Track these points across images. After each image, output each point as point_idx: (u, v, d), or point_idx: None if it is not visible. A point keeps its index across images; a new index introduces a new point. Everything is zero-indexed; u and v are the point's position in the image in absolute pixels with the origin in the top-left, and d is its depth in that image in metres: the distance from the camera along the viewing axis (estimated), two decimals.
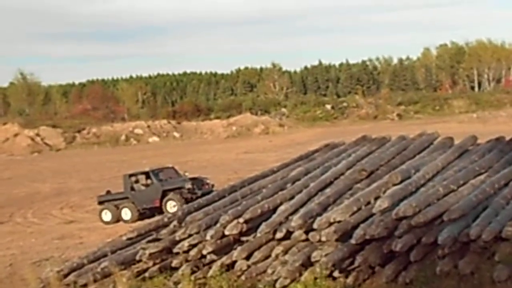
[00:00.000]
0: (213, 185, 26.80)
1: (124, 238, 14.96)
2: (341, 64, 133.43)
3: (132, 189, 26.69)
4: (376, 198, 12.03)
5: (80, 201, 30.59)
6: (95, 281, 13.46)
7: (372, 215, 11.66)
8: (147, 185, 26.83)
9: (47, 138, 68.25)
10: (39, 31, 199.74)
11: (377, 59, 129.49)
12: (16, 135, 68.19)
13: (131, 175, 27.29)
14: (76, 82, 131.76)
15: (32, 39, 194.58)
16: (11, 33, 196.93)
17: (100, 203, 26.77)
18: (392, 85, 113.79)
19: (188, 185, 25.74)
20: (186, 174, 27.74)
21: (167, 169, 28.19)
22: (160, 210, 25.52)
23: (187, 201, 24.72)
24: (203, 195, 24.61)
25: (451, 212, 10.99)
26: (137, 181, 27.10)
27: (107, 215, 26.10)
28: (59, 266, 15.26)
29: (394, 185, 12.61)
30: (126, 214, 25.96)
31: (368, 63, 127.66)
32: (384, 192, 12.33)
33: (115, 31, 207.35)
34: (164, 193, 25.92)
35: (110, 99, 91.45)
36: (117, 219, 25.90)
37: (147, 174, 27.04)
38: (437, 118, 72.31)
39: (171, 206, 25.24)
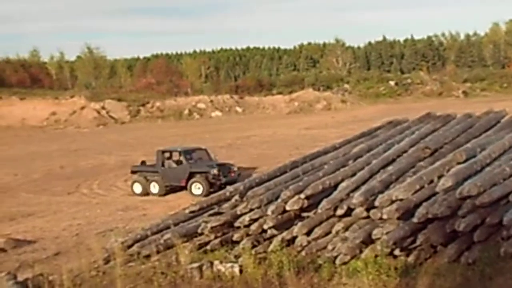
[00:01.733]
0: (239, 174, 27.07)
1: (187, 211, 15.16)
2: (406, 40, 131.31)
3: (163, 164, 27.42)
4: (440, 177, 11.84)
5: None
6: (158, 252, 13.70)
7: (435, 193, 11.50)
8: (178, 163, 27.42)
9: (112, 111, 69.59)
10: (106, 6, 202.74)
11: (443, 34, 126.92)
12: (82, 108, 69.79)
13: (164, 151, 28.05)
14: (141, 56, 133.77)
15: (98, 14, 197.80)
16: (79, 8, 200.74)
17: (133, 172, 27.99)
18: (458, 62, 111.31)
19: (214, 171, 26.17)
20: (217, 158, 28.12)
21: (200, 150, 28.72)
22: (186, 189, 26.34)
23: (211, 185, 25.67)
24: (227, 182, 24.94)
25: None
26: (169, 158, 27.81)
27: (137, 187, 27.22)
28: (123, 237, 15.61)
29: (459, 163, 12.39)
30: (154, 187, 26.88)
31: (433, 38, 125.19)
32: (448, 170, 12.12)
33: (181, 6, 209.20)
34: (191, 175, 26.45)
35: (174, 74, 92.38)
36: (146, 191, 26.85)
37: (179, 153, 27.67)
38: (505, 95, 70.45)
39: (196, 188, 26.03)
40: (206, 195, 24.47)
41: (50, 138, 55.84)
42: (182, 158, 27.33)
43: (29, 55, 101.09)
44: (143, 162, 28.44)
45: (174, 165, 27.41)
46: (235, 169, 27.23)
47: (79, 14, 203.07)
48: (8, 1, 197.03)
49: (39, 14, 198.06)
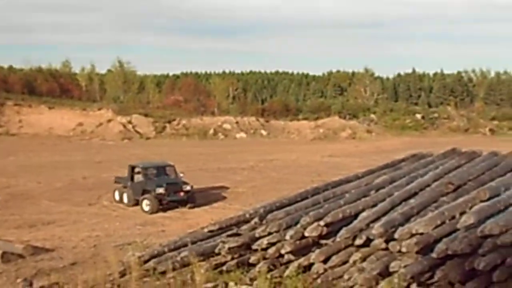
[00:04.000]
0: (192, 193, 28.02)
1: (205, 230, 15.18)
2: (435, 74, 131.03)
3: (132, 179, 28.75)
4: (462, 213, 11.74)
5: None
6: (174, 269, 13.71)
7: (456, 230, 11.40)
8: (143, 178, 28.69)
9: (138, 126, 70.07)
10: (140, 22, 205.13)
11: (473, 71, 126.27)
12: (109, 121, 70.39)
13: (133, 166, 29.40)
14: (170, 74, 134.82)
15: (132, 29, 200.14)
16: (113, 22, 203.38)
17: (115, 182, 29.89)
18: (486, 99, 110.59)
19: (160, 190, 27.12)
20: (181, 175, 29.05)
21: (168, 166, 29.68)
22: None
23: (160, 203, 27.03)
24: (174, 201, 27.15)
25: None
26: (138, 173, 28.96)
27: (116, 195, 29.07)
28: (141, 252, 15.65)
29: (482, 201, 12.27)
30: (126, 198, 28.49)
31: (463, 74, 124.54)
32: (471, 207, 12.01)
33: (212, 26, 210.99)
34: (144, 192, 27.56)
35: (202, 92, 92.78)
36: (122, 200, 28.59)
37: (141, 168, 29.02)
38: None
39: (145, 205, 27.17)
40: (154, 212, 26.50)
41: (75, 148, 56.33)
42: (142, 174, 28.65)
43: (61, 65, 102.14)
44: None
45: (141, 179, 28.58)
46: (188, 188, 27.85)
47: (113, 28, 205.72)
48: (45, 12, 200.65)
49: (73, 26, 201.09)
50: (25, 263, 17.06)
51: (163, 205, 27.10)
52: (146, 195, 27.26)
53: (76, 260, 17.28)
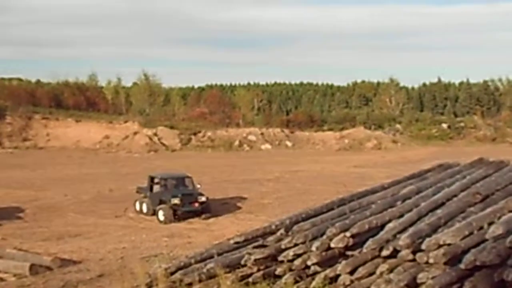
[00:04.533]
0: (207, 204, 28.38)
1: (231, 241, 15.17)
2: (461, 83, 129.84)
3: (151, 189, 29.38)
4: (490, 224, 11.60)
5: None
6: (200, 281, 13.71)
7: (484, 240, 11.27)
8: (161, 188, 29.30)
9: (164, 138, 70.38)
10: (165, 35, 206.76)
11: (500, 79, 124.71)
12: (135, 133, 70.84)
13: (152, 177, 30.12)
14: (196, 86, 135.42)
15: (157, 42, 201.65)
16: (139, 35, 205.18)
17: (137, 191, 30.54)
18: None
19: (175, 201, 27.63)
20: (198, 186, 29.51)
21: (186, 178, 30.21)
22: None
23: (175, 213, 27.50)
24: (189, 211, 27.62)
25: None
26: (157, 183, 29.56)
27: (137, 205, 29.63)
28: (167, 263, 15.70)
29: (510, 211, 12.14)
30: (145, 208, 29.02)
31: (489, 83, 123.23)
32: (499, 218, 11.88)
33: (236, 38, 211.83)
34: (160, 202, 28.05)
35: (227, 104, 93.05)
36: (142, 210, 29.11)
37: (159, 179, 29.69)
38: None
39: (161, 215, 27.65)
40: (168, 222, 26.98)
41: (101, 161, 56.76)
42: (160, 184, 29.22)
43: (88, 79, 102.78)
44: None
45: (159, 190, 29.20)
46: (203, 199, 28.07)
47: (138, 42, 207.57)
48: (72, 26, 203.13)
49: (99, 40, 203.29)
50: (53, 275, 17.21)
51: (178, 215, 27.38)
52: (162, 205, 27.60)
53: (103, 272, 17.38)
